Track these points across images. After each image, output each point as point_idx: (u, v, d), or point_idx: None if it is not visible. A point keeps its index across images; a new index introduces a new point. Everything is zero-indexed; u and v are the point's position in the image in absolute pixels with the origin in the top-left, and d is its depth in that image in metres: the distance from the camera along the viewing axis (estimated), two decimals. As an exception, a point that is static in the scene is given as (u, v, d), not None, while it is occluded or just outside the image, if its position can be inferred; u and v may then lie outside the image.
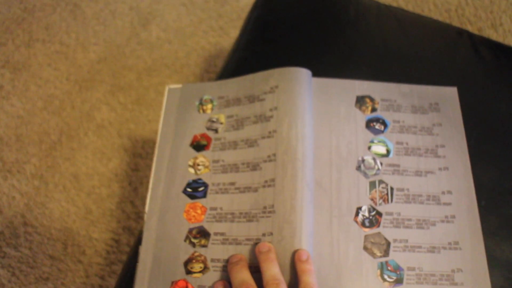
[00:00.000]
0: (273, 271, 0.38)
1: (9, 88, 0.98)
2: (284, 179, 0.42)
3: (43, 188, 0.88)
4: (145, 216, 0.48)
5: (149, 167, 0.88)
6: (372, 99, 0.49)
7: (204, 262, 0.42)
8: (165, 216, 0.46)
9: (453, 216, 0.44)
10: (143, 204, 0.85)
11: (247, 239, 0.42)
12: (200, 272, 0.42)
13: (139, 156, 0.89)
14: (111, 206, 0.85)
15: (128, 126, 0.91)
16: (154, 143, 0.90)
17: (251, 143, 0.46)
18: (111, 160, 0.89)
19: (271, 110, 0.47)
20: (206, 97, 0.51)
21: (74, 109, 0.95)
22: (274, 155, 0.44)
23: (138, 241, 0.48)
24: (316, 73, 0.48)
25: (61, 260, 0.82)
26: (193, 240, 0.44)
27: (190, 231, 0.44)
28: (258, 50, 0.56)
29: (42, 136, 0.92)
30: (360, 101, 0.49)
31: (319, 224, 0.43)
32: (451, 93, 0.50)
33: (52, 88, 0.97)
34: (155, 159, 0.50)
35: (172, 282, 0.42)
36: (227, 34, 0.99)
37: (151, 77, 0.96)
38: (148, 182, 0.85)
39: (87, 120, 0.93)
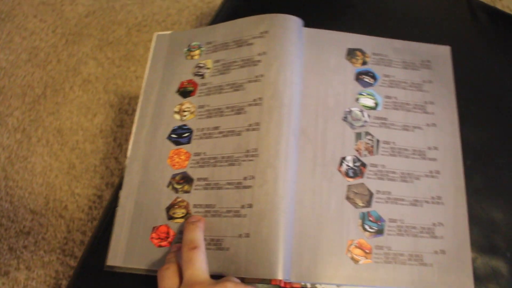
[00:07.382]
0: (193, 235, 0.37)
1: (-8, 38, 0.95)
2: (269, 124, 0.42)
3: (25, 142, 0.86)
4: (127, 161, 0.47)
5: (135, 124, 0.86)
6: (363, 53, 0.48)
7: (186, 207, 0.42)
8: (149, 162, 0.45)
9: (438, 172, 0.44)
10: (128, 161, 0.83)
11: (228, 183, 0.41)
12: (182, 217, 0.42)
13: (125, 112, 0.87)
14: (95, 162, 0.84)
15: (115, 82, 0.89)
16: (141, 100, 0.88)
17: (237, 87, 0.45)
18: (96, 115, 0.87)
19: (259, 54, 0.45)
20: (194, 43, 0.50)
21: (59, 62, 0.92)
22: (260, 99, 0.43)
23: (119, 187, 0.47)
24: (309, 24, 0.48)
25: (42, 215, 0.81)
26: (176, 186, 0.43)
27: (174, 177, 0.44)
28: (250, -2, 0.54)
29: (25, 89, 0.90)
30: (351, 53, 0.48)
31: (302, 172, 0.42)
32: (443, 51, 0.49)
33: (37, 40, 0.94)
34: (139, 105, 0.49)
35: (154, 228, 0.42)
36: (220, -7, 0.96)
37: (141, 33, 0.93)
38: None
39: (73, 74, 0.91)
